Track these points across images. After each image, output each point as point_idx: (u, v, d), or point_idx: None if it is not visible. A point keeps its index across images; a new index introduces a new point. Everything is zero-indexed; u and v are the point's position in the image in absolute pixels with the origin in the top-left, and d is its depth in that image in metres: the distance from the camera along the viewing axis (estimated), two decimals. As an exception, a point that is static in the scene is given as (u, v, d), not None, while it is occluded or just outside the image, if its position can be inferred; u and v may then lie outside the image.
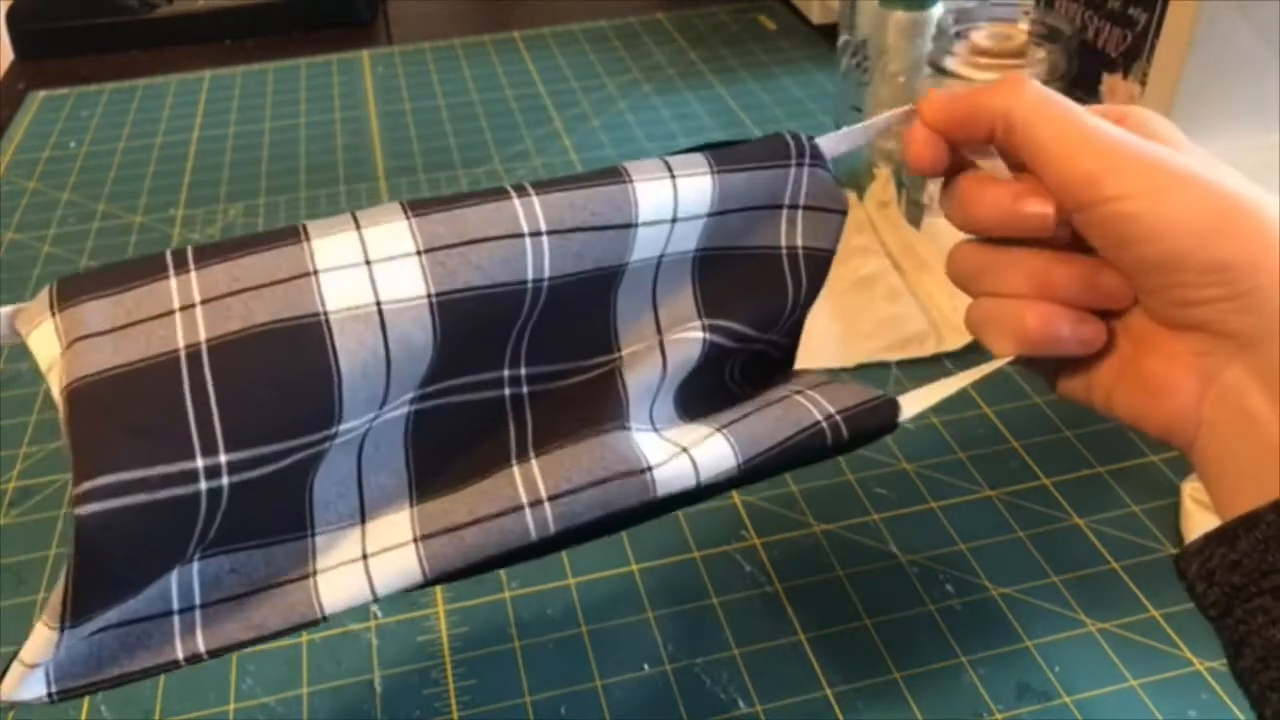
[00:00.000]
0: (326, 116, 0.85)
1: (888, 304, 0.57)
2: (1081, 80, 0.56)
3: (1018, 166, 0.31)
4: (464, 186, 0.74)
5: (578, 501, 0.28)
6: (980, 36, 0.56)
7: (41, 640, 0.25)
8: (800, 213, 0.32)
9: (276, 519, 0.27)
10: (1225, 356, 0.27)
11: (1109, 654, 0.41)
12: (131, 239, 0.71)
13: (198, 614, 0.27)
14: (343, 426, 0.26)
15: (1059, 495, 0.48)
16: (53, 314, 0.25)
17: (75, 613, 0.24)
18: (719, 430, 0.30)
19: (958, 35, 0.57)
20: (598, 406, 0.30)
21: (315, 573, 0.27)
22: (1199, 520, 0.44)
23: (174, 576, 0.26)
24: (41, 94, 0.91)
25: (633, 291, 0.31)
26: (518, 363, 0.30)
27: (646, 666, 0.42)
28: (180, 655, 0.26)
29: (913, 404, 0.32)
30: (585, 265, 0.29)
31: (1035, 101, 0.30)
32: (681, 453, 0.29)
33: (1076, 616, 0.43)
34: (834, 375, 0.34)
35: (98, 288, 0.25)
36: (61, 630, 0.25)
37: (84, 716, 0.41)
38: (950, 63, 0.56)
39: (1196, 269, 0.26)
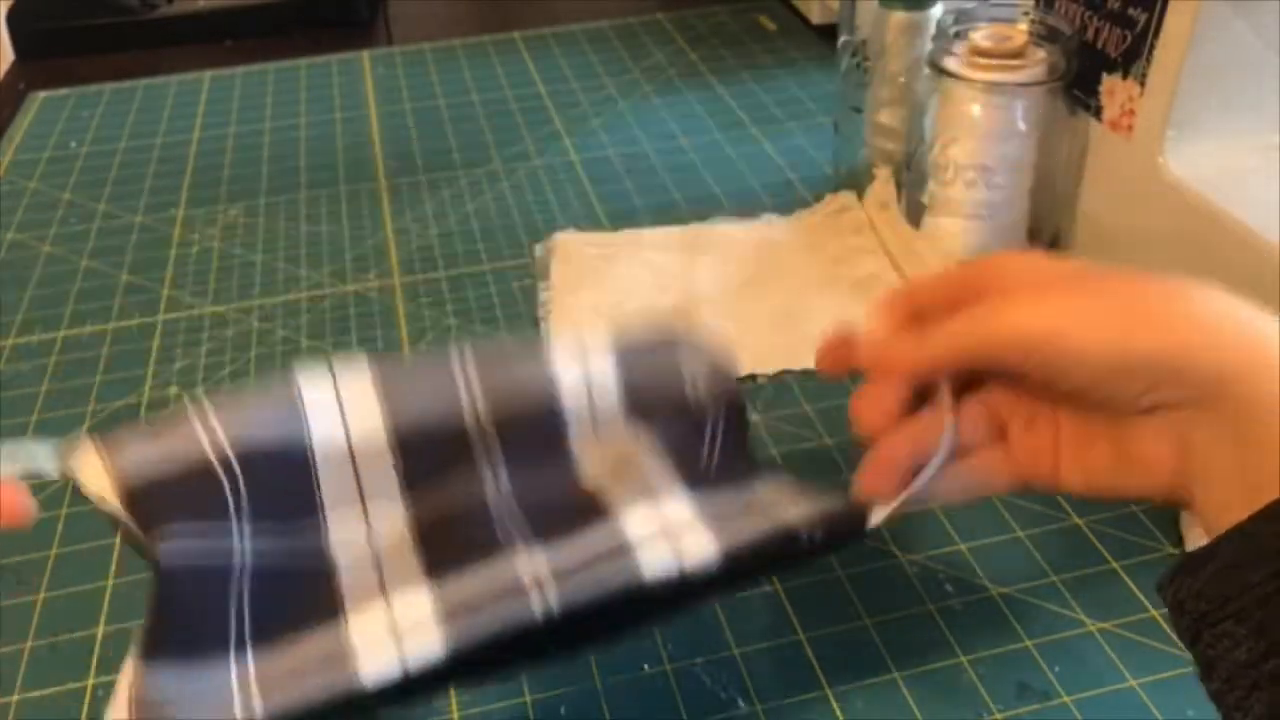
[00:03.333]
0: (327, 117, 0.85)
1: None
2: (1081, 81, 0.56)
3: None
4: (464, 187, 0.74)
5: (574, 582, 0.31)
6: (980, 37, 0.56)
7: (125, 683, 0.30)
8: (701, 384, 0.38)
9: (311, 611, 0.32)
10: (1190, 423, 0.30)
11: (1109, 654, 0.41)
12: (132, 239, 0.71)
13: (255, 695, 0.30)
14: (330, 516, 0.35)
15: (1058, 495, 0.48)
16: (99, 454, 0.32)
17: (151, 645, 0.30)
18: (703, 521, 0.33)
19: (957, 35, 0.57)
20: (583, 504, 0.34)
21: (353, 653, 0.31)
22: (1197, 521, 0.44)
23: (231, 664, 0.31)
24: (42, 94, 0.91)
25: (575, 424, 0.37)
26: (498, 476, 0.36)
27: (646, 666, 0.42)
28: (236, 698, 0.30)
29: (879, 514, 0.34)
30: (516, 406, 0.36)
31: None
32: (663, 538, 0.32)
33: (1076, 616, 0.43)
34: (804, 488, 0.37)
35: (134, 432, 0.33)
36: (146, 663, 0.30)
37: (85, 716, 0.41)
38: (950, 63, 0.56)
39: (1128, 371, 0.30)
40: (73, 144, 0.84)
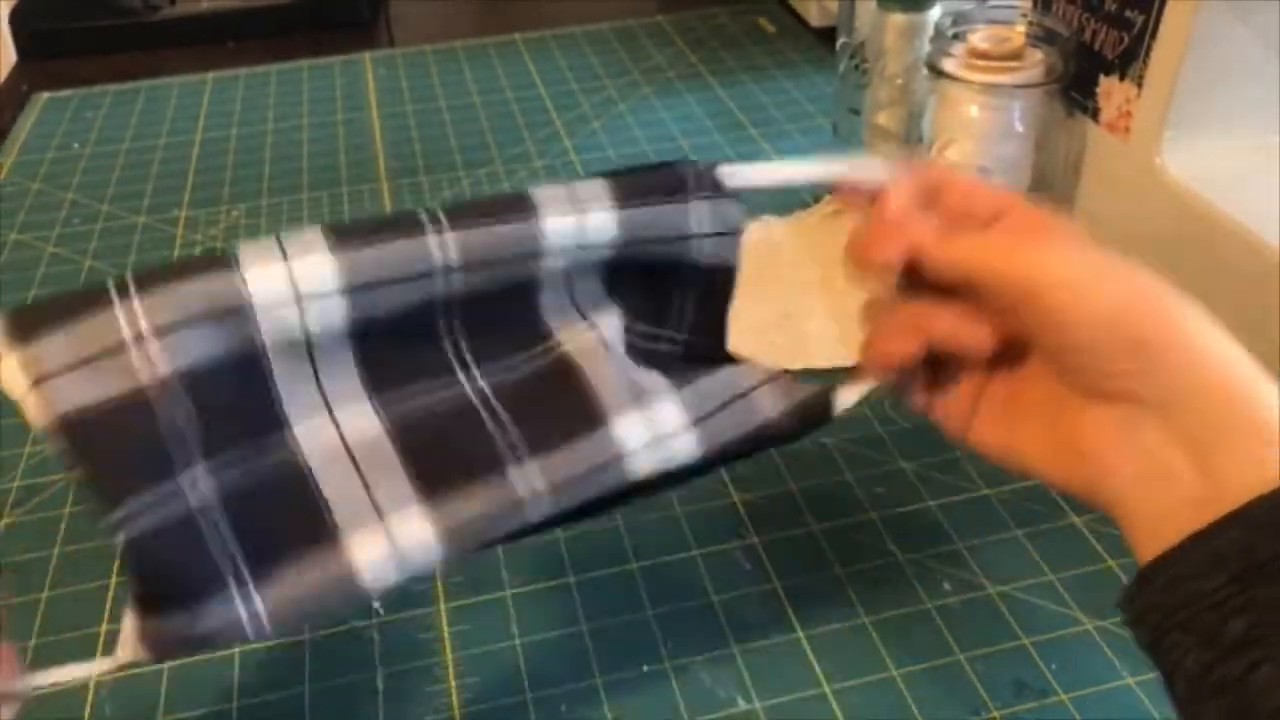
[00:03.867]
0: (329, 118, 0.86)
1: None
2: (1078, 82, 0.56)
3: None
4: (465, 188, 0.75)
5: (570, 490, 0.33)
6: (978, 39, 0.56)
7: (129, 622, 0.30)
8: (706, 241, 0.35)
9: (301, 526, 0.31)
10: (1144, 421, 0.30)
11: (1106, 652, 0.41)
12: (135, 240, 0.71)
13: (253, 592, 0.31)
14: (298, 429, 0.32)
15: (1056, 494, 0.48)
16: (11, 349, 0.28)
17: (146, 609, 0.30)
18: (690, 425, 0.34)
19: (955, 37, 0.57)
20: (568, 403, 0.34)
21: (351, 556, 0.31)
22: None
23: (228, 572, 0.31)
24: (45, 95, 0.92)
25: (551, 296, 0.35)
26: (466, 365, 0.34)
27: (646, 665, 0.42)
28: (246, 624, 0.30)
29: (846, 395, 0.35)
30: (495, 285, 0.33)
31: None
32: (655, 442, 0.34)
33: (1074, 614, 0.43)
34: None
35: (48, 320, 0.28)
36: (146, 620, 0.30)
37: (88, 715, 0.41)
38: (948, 65, 0.56)
39: (1116, 347, 0.30)
40: (75, 145, 0.84)
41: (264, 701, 0.41)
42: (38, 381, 0.28)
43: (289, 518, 0.31)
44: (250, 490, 0.31)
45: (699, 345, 0.37)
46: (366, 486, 0.32)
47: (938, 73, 0.57)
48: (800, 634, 0.43)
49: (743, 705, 0.40)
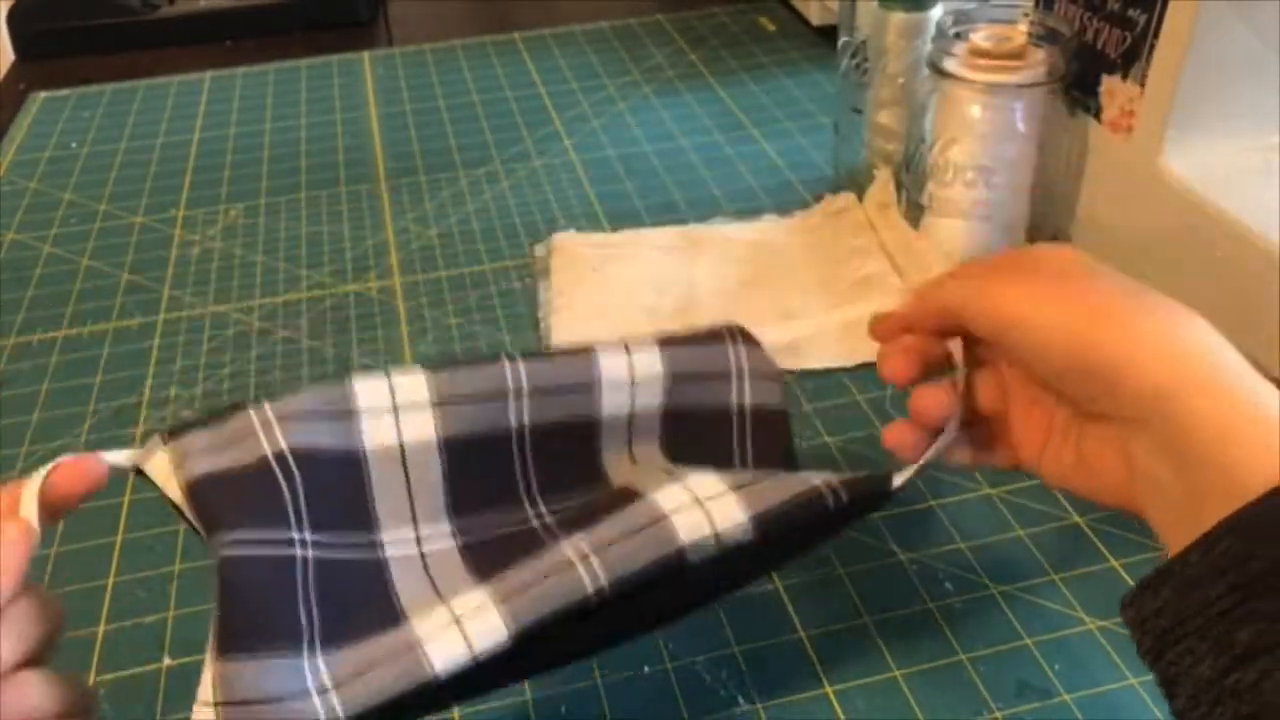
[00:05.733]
0: (327, 117, 0.85)
1: (887, 304, 0.57)
2: (1080, 82, 0.56)
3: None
4: (465, 187, 0.74)
5: (616, 551, 0.32)
6: (979, 38, 0.56)
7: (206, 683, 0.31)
8: (747, 380, 0.40)
9: (371, 612, 0.33)
10: (1131, 437, 0.31)
11: (1109, 652, 0.41)
12: (132, 239, 0.71)
13: (332, 694, 0.31)
14: (385, 536, 0.36)
15: (1058, 493, 0.48)
16: (164, 445, 0.33)
17: (225, 640, 0.30)
18: (731, 490, 0.34)
19: (957, 36, 0.57)
20: (616, 499, 0.35)
21: (420, 642, 0.32)
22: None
23: (305, 665, 0.31)
24: (43, 95, 0.91)
25: (611, 444, 0.39)
26: (535, 502, 0.38)
27: (647, 666, 0.42)
28: (310, 684, 0.31)
29: (900, 476, 0.35)
30: (560, 414, 0.37)
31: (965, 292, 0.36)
32: (695, 503, 0.33)
33: (1076, 614, 0.43)
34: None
35: (196, 424, 0.33)
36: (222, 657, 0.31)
37: (86, 714, 0.41)
38: (949, 64, 0.56)
39: (1076, 375, 0.31)
40: (73, 144, 0.84)
41: (263, 702, 0.41)
42: (180, 464, 0.32)
43: (363, 601, 0.34)
44: (339, 571, 0.34)
45: None
46: (435, 589, 0.35)
47: (939, 72, 0.57)
48: (801, 634, 0.43)
49: (744, 705, 0.40)
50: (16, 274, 0.68)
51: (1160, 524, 0.31)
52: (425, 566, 0.36)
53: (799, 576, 0.45)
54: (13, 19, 1.00)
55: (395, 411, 0.35)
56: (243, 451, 0.33)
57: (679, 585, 0.33)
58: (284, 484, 0.33)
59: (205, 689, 0.30)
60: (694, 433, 0.39)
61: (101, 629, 0.45)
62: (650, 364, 0.38)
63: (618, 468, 0.39)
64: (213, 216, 0.73)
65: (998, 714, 0.39)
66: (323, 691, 0.30)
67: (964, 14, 0.58)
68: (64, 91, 0.92)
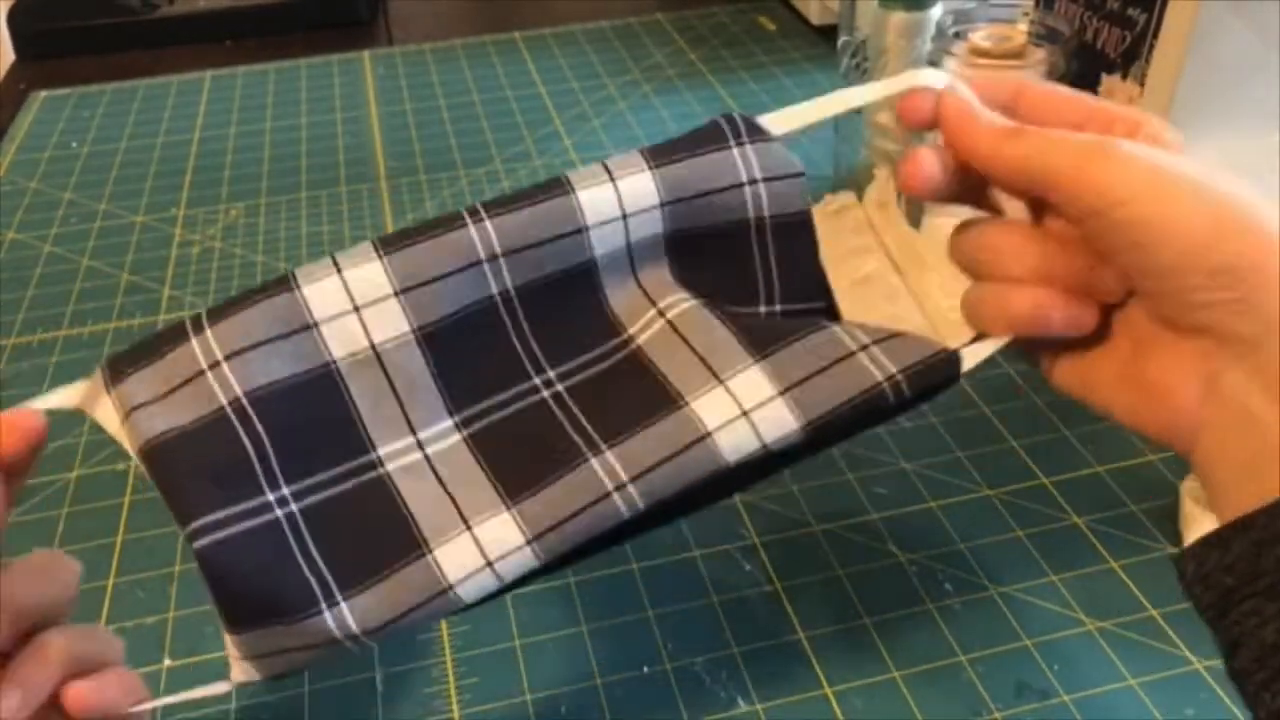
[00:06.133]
0: (327, 117, 0.85)
1: (886, 304, 0.57)
2: (1080, 81, 0.56)
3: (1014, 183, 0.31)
4: (465, 187, 0.74)
5: (656, 477, 0.30)
6: (979, 37, 0.56)
7: (228, 641, 0.30)
8: (761, 185, 0.33)
9: (386, 542, 0.31)
10: (1228, 360, 0.27)
11: (1107, 653, 0.41)
12: (132, 239, 0.71)
13: (343, 605, 0.30)
14: (382, 451, 0.32)
15: (1058, 494, 0.48)
16: (108, 391, 0.30)
17: (231, 622, 0.30)
18: (781, 394, 0.31)
19: (957, 36, 0.57)
20: (639, 395, 0.32)
21: (440, 567, 0.30)
22: (1198, 520, 0.44)
23: (329, 618, 0.30)
24: (43, 94, 0.91)
25: (615, 281, 0.34)
26: (541, 368, 0.33)
27: (646, 666, 0.42)
28: (337, 634, 0.30)
29: (972, 357, 0.31)
30: (549, 269, 0.32)
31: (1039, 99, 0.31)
32: (741, 417, 0.30)
33: (1075, 615, 0.43)
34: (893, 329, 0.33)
35: (136, 361, 0.30)
36: (234, 634, 0.30)
37: (85, 715, 0.41)
38: (949, 63, 0.56)
39: (1203, 273, 0.27)
40: (73, 144, 0.84)
41: (263, 703, 0.41)
42: (127, 415, 0.30)
43: (377, 534, 0.31)
44: (337, 510, 0.31)
45: (801, 314, 0.34)
46: (452, 499, 0.32)
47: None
48: (801, 634, 0.43)
49: (743, 706, 0.40)
50: (16, 274, 0.68)
51: (1221, 464, 0.27)
52: (434, 470, 0.32)
53: (799, 577, 0.45)
54: (13, 19, 1.00)
55: (358, 311, 0.31)
56: (194, 401, 0.30)
57: (720, 481, 0.31)
58: (247, 441, 0.30)
59: (229, 645, 0.30)
60: (708, 257, 0.34)
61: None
62: (642, 190, 0.32)
63: (628, 305, 0.34)
64: (213, 216, 0.73)
65: (997, 714, 0.39)
66: (353, 638, 0.30)
67: (964, 13, 0.58)
68: (64, 91, 0.92)
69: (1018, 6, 0.59)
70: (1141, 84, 0.52)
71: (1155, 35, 0.51)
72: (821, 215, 0.67)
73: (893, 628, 0.43)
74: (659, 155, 0.33)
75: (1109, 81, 0.55)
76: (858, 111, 0.68)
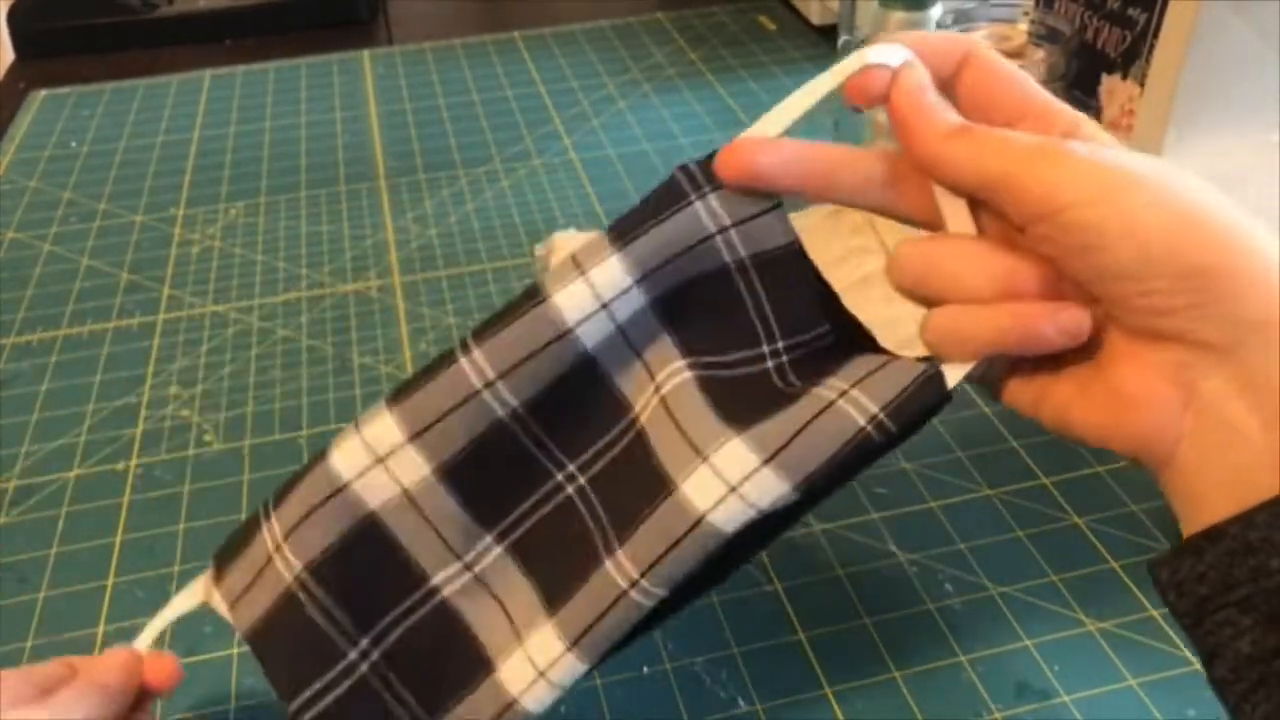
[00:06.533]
0: (327, 116, 0.85)
1: (885, 305, 0.57)
2: (1081, 81, 0.56)
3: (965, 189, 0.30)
4: (464, 186, 0.74)
5: (663, 568, 0.32)
6: (979, 37, 0.56)
7: None
8: (732, 231, 0.32)
9: (461, 662, 0.34)
10: (1206, 368, 0.26)
11: (1108, 653, 0.41)
12: (132, 238, 0.71)
13: None
14: (437, 579, 0.35)
15: (1058, 495, 0.48)
16: (216, 587, 0.35)
17: None
18: (765, 463, 0.31)
19: (957, 35, 0.57)
20: (641, 480, 0.33)
21: (504, 685, 0.34)
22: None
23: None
24: (42, 93, 0.91)
25: (615, 363, 0.34)
26: (562, 464, 0.35)
27: (646, 666, 0.42)
28: None
29: (953, 374, 0.31)
30: (547, 377, 0.33)
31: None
32: (730, 493, 0.31)
33: (1075, 616, 0.43)
34: (878, 355, 0.33)
35: (232, 554, 0.35)
36: None
37: (85, 715, 0.41)
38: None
39: (1169, 276, 0.25)
40: (73, 143, 0.84)
41: (262, 703, 0.41)
42: (230, 609, 0.34)
43: (449, 658, 0.34)
44: (413, 642, 0.34)
45: (810, 347, 0.34)
46: (505, 610, 0.35)
47: (939, 71, 0.57)
48: (801, 635, 0.43)
49: (743, 706, 0.40)
50: (16, 273, 0.68)
51: (1199, 475, 0.26)
52: (486, 585, 0.35)
53: (799, 577, 0.45)
54: (13, 18, 1.00)
55: (382, 463, 0.33)
56: (271, 586, 0.34)
57: (738, 544, 0.32)
58: (316, 612, 0.33)
59: None
60: (699, 313, 0.34)
61: (101, 629, 0.45)
62: (613, 275, 0.32)
63: (634, 384, 0.35)
64: (212, 216, 0.73)
65: (997, 715, 0.39)
66: None
67: (964, 13, 0.58)
68: (64, 90, 0.92)
69: (1018, 6, 0.59)
70: (1141, 84, 0.52)
71: (1155, 35, 0.51)
72: (821, 216, 0.67)
73: (893, 628, 0.43)
74: (623, 231, 0.32)
75: (1109, 81, 0.55)
76: (859, 111, 0.68)
